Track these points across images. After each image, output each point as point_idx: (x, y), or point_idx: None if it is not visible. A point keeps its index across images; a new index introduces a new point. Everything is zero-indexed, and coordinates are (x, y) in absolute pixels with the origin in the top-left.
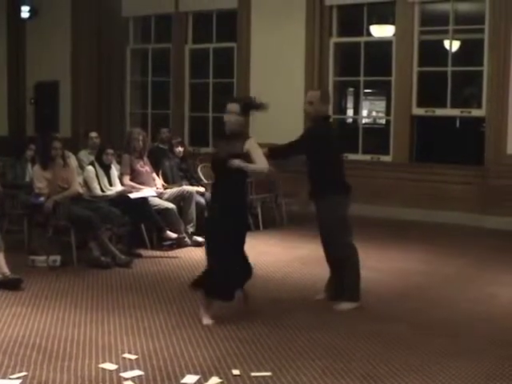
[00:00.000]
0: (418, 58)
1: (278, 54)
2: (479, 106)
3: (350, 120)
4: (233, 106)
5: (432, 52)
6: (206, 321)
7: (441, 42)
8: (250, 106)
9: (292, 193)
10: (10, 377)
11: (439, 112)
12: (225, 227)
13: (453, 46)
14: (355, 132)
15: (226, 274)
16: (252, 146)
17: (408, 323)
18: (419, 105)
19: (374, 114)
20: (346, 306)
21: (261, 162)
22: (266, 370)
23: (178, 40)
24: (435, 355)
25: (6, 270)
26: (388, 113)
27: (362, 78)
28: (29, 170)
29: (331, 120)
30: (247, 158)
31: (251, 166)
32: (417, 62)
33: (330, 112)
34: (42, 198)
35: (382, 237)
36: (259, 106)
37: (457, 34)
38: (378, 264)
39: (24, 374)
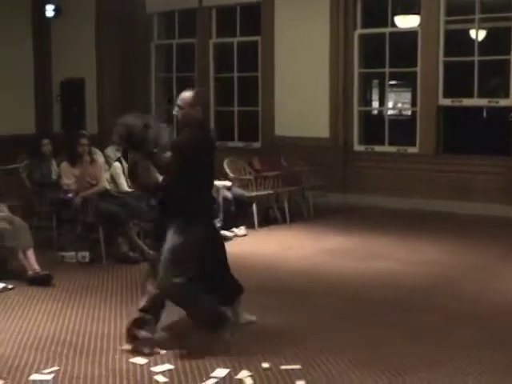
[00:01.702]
0: (443, 48)
1: (303, 46)
2: (507, 96)
3: (375, 112)
4: None
5: (458, 41)
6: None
7: (467, 32)
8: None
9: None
10: (43, 372)
11: (466, 102)
12: None
13: (479, 34)
14: (381, 124)
15: None
16: None
17: (437, 314)
18: (446, 95)
19: (399, 105)
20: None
21: None
22: (295, 363)
23: (202, 35)
24: (465, 346)
25: (37, 267)
26: (414, 104)
27: (387, 70)
28: (54, 166)
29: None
30: None
31: None
32: (443, 52)
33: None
34: (70, 195)
35: (410, 229)
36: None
37: (483, 22)
38: (406, 256)
39: (56, 368)
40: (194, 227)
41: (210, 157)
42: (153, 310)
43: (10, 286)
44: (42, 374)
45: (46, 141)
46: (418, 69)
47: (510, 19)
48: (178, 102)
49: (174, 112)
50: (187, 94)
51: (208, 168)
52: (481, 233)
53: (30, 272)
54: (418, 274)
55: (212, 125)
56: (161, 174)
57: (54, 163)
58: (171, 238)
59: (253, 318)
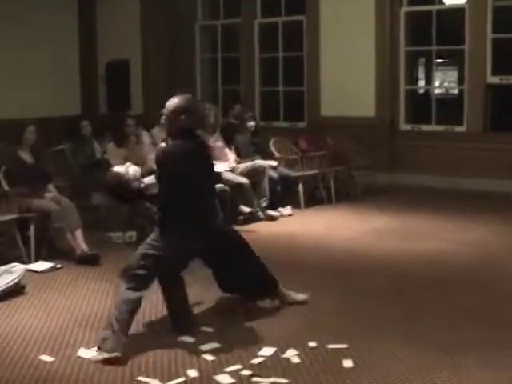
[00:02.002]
0: (491, 25)
1: (348, 25)
2: None
3: (421, 90)
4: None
5: (506, 18)
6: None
7: None
8: None
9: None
10: (92, 349)
11: None
12: None
13: None
14: (428, 102)
15: None
16: None
17: (485, 295)
18: (494, 73)
19: (446, 83)
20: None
21: None
22: (342, 342)
23: (247, 15)
24: (509, 325)
25: (84, 247)
26: (461, 82)
27: (434, 48)
28: (96, 146)
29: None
30: None
31: None
32: (491, 29)
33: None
34: None
35: (457, 208)
36: None
37: None
38: (453, 235)
39: None
40: (169, 239)
41: (196, 167)
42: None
43: (58, 266)
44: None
45: (85, 122)
46: (466, 46)
47: None
48: (164, 109)
49: (161, 121)
50: (171, 102)
51: (190, 180)
52: (491, 209)
53: (78, 252)
54: (465, 254)
55: (257, 105)
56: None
57: (95, 143)
58: (146, 244)
59: (302, 297)
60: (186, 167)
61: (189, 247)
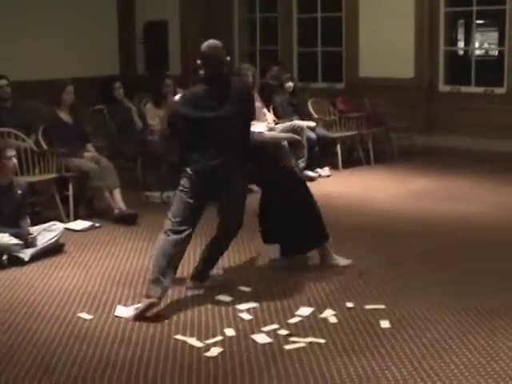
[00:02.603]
0: None
1: None
2: None
3: (461, 52)
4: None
5: None
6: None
7: None
8: None
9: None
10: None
11: None
12: None
13: None
14: (467, 64)
15: None
16: None
17: None
18: None
19: (486, 45)
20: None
21: None
22: (379, 303)
23: None
24: None
25: (123, 206)
26: (501, 43)
27: (474, 8)
28: (132, 107)
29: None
30: None
31: None
32: None
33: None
34: (155, 135)
35: (495, 171)
36: None
37: None
38: (490, 198)
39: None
40: (184, 183)
41: (206, 112)
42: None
43: (97, 225)
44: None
45: (117, 84)
46: (507, 7)
47: None
48: None
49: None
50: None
51: (194, 124)
52: None
53: (116, 211)
54: (503, 217)
55: (295, 66)
56: None
57: (130, 104)
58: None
59: (345, 261)
60: (190, 111)
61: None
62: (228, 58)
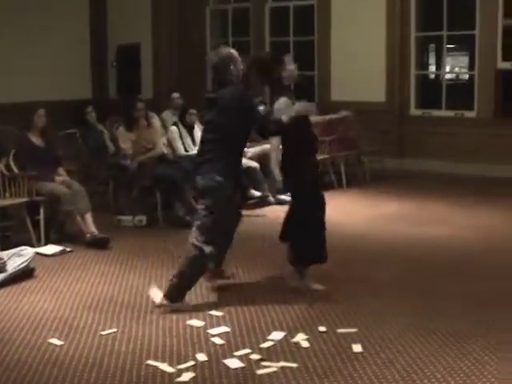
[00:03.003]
0: (503, 11)
1: (359, 11)
2: None
3: (432, 76)
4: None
5: None
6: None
7: None
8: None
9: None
10: (102, 333)
11: None
12: None
13: None
14: (438, 88)
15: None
16: None
17: (494, 282)
18: (504, 58)
19: (456, 69)
20: None
21: None
22: (351, 327)
23: None
24: None
25: (94, 230)
26: (472, 67)
27: (444, 33)
28: (104, 131)
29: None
30: None
31: None
32: (502, 15)
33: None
34: (127, 160)
35: (467, 194)
36: None
37: None
38: (462, 221)
39: (114, 330)
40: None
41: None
42: None
43: (68, 249)
44: (102, 335)
45: (90, 108)
46: (477, 32)
47: None
48: None
49: None
50: None
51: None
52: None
53: (88, 235)
54: (474, 240)
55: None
56: None
57: (102, 128)
58: None
59: (318, 286)
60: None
61: None
62: (238, 67)
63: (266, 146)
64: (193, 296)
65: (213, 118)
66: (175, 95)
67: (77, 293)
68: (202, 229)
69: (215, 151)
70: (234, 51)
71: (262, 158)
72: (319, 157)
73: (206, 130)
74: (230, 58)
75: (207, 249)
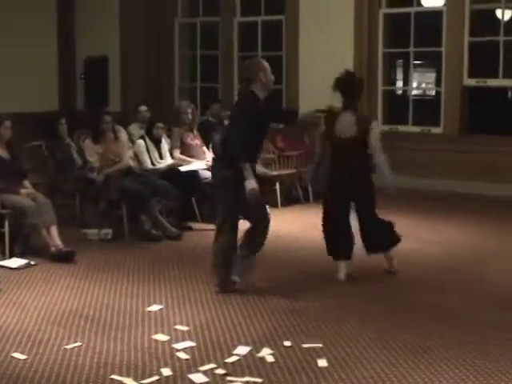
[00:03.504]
0: (469, 28)
1: (327, 25)
2: None
3: (399, 92)
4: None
5: (483, 21)
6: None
7: (492, 12)
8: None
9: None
10: (66, 347)
11: (491, 82)
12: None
13: (505, 14)
14: (405, 104)
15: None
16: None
17: (459, 296)
18: (470, 75)
19: (423, 85)
20: None
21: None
22: (317, 342)
23: (227, 13)
24: (488, 328)
25: (59, 243)
26: (438, 84)
27: (411, 49)
28: (72, 144)
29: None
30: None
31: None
32: (468, 32)
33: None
34: (93, 172)
35: (433, 210)
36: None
37: (509, 2)
38: (428, 236)
39: (79, 344)
40: None
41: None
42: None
43: (33, 263)
44: (66, 349)
45: (62, 120)
46: (443, 49)
47: None
48: None
49: None
50: None
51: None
52: (505, 214)
53: (53, 248)
54: (440, 255)
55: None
56: None
57: (70, 141)
58: None
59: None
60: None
61: None
62: (259, 74)
63: None
64: (158, 312)
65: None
66: (143, 108)
67: (41, 306)
68: None
69: None
70: (264, 61)
71: None
72: (286, 172)
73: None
74: (251, 67)
75: None
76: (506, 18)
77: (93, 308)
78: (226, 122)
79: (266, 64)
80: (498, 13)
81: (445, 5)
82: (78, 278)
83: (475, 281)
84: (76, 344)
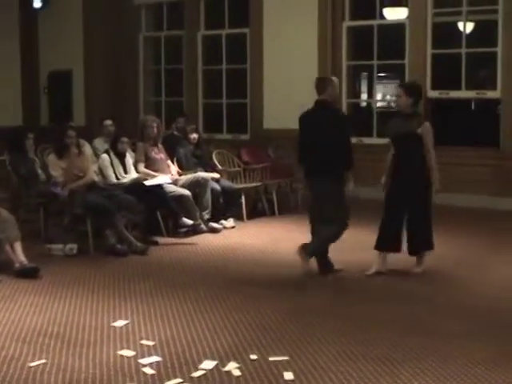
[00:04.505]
0: (431, 41)
1: (291, 38)
2: (494, 88)
3: (363, 104)
4: (398, 90)
5: (446, 34)
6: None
7: (454, 24)
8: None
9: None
10: (30, 364)
11: (454, 94)
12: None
13: (467, 27)
14: (369, 116)
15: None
16: (425, 131)
17: (424, 306)
18: (433, 87)
19: (387, 97)
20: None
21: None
22: (283, 355)
23: (191, 27)
24: (452, 338)
25: (24, 259)
26: None
27: (375, 62)
28: (36, 159)
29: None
30: (420, 139)
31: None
32: (430, 45)
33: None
34: (58, 187)
35: None
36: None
37: (470, 15)
38: None
39: (43, 361)
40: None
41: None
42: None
43: None
44: (30, 367)
45: (31, 135)
46: (406, 61)
47: (497, 12)
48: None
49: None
50: None
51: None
52: (469, 224)
53: (17, 264)
54: (404, 266)
55: (200, 117)
56: None
57: (33, 155)
58: None
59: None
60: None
61: None
62: (327, 88)
63: (199, 174)
64: (123, 328)
65: None
66: (108, 122)
67: (5, 323)
68: None
69: None
70: (334, 78)
71: (194, 186)
72: (251, 184)
73: None
74: (324, 82)
75: None
76: (468, 30)
77: (57, 324)
78: (193, 136)
79: (334, 80)
80: (460, 25)
81: (407, 18)
82: (43, 295)
83: (443, 291)
84: (41, 361)
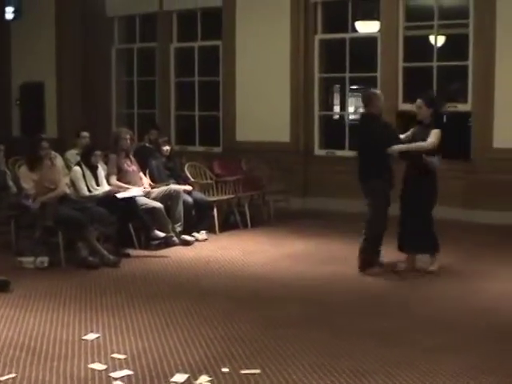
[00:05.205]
0: (403, 54)
1: (263, 51)
2: (465, 101)
3: (336, 116)
4: (418, 102)
5: (417, 47)
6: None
7: (426, 38)
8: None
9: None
10: (0, 378)
11: None
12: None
13: (438, 41)
14: (342, 128)
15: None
16: (435, 131)
17: (397, 319)
18: (405, 100)
19: (360, 109)
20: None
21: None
22: (254, 368)
23: (163, 39)
24: (425, 351)
25: None
26: None
27: (347, 75)
28: (6, 171)
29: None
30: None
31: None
32: (402, 58)
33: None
34: (29, 199)
35: None
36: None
37: (442, 29)
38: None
39: (13, 375)
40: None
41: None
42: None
43: None
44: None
45: (1, 146)
46: (378, 74)
47: (468, 26)
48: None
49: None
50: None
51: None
52: (442, 237)
53: None
54: (381, 278)
55: (172, 129)
56: None
57: (4, 167)
58: None
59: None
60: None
61: None
62: (374, 102)
63: (171, 187)
64: (94, 341)
65: None
66: (84, 134)
67: None
68: None
69: None
70: (377, 91)
71: (166, 199)
72: (224, 197)
73: None
74: (372, 95)
75: None
76: (439, 43)
77: (28, 338)
78: (166, 148)
79: (378, 93)
80: (432, 39)
81: (379, 31)
82: (14, 308)
83: (410, 304)
84: (11, 375)
